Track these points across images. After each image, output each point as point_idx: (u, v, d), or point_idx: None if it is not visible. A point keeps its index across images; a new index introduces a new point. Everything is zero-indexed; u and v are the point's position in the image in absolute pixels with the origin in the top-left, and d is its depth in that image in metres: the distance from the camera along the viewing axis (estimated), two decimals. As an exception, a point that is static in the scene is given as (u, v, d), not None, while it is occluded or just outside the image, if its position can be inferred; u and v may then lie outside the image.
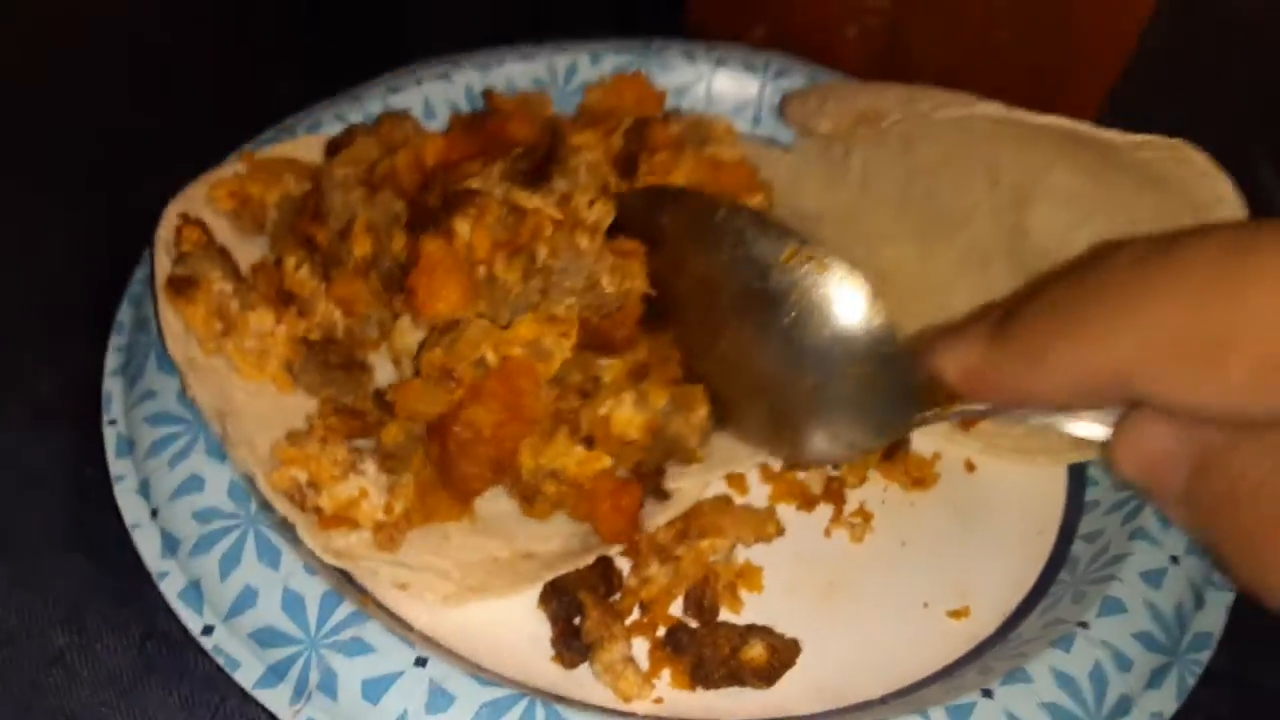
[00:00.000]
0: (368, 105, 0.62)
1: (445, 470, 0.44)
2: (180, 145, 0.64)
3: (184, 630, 0.43)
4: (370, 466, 0.45)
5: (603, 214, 0.47)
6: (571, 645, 0.42)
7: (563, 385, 0.46)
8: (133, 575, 0.45)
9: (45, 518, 0.48)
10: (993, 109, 0.47)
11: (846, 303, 0.42)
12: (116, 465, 0.45)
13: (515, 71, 0.66)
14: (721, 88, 0.67)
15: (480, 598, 0.43)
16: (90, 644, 0.44)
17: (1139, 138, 0.43)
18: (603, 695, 0.42)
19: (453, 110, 0.64)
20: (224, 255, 0.48)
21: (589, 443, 0.45)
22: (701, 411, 0.47)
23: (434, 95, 0.64)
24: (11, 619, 0.45)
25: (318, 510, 0.44)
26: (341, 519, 0.44)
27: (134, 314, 0.51)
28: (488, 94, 0.62)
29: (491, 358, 0.46)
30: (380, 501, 0.44)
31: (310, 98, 0.64)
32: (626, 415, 0.46)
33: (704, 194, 0.49)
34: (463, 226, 0.46)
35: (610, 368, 0.46)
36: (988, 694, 0.40)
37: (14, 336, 0.55)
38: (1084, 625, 0.42)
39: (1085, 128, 0.44)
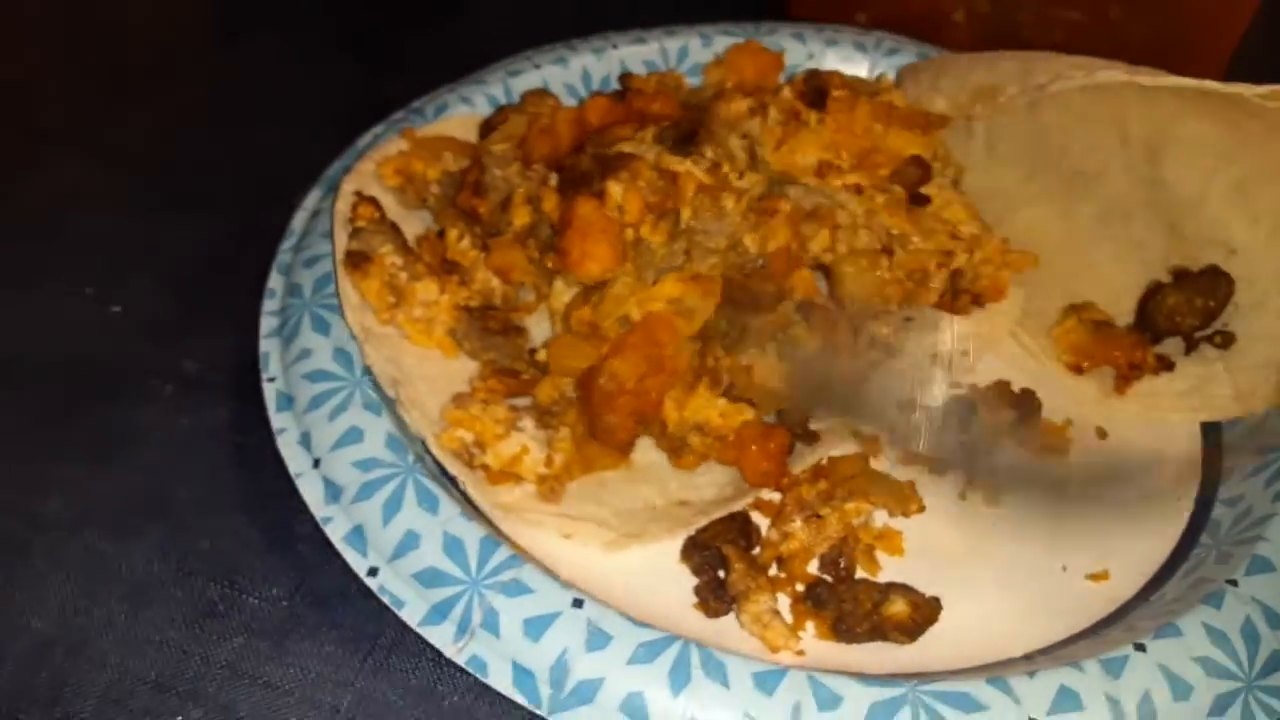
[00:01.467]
0: (490, 88, 0.65)
1: (592, 421, 0.46)
2: (296, 141, 0.67)
3: (331, 585, 0.46)
4: (529, 423, 0.46)
5: (753, 183, 0.48)
6: (719, 595, 0.43)
7: (707, 338, 0.48)
8: (280, 534, 0.48)
9: (197, 483, 0.51)
10: (1115, 74, 0.48)
11: None
12: (277, 419, 0.47)
13: (628, 54, 0.68)
14: (832, 67, 0.67)
15: (640, 543, 0.45)
16: (242, 597, 0.46)
17: (1266, 88, 0.44)
18: (745, 645, 0.43)
19: (569, 93, 0.66)
20: (395, 230, 0.51)
21: (730, 395, 0.46)
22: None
23: (551, 78, 0.66)
24: (167, 573, 0.47)
25: (484, 468, 0.46)
26: (507, 474, 0.46)
27: (284, 281, 0.53)
28: (625, 75, 0.64)
29: (635, 314, 0.47)
30: (541, 456, 0.46)
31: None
32: (769, 365, 0.47)
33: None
34: (616, 189, 0.47)
35: (757, 320, 0.47)
36: (1140, 648, 0.40)
37: (156, 320, 0.58)
38: (1233, 583, 0.42)
39: (1212, 84, 0.45)
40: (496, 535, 0.43)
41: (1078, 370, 0.54)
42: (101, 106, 0.75)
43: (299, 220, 0.57)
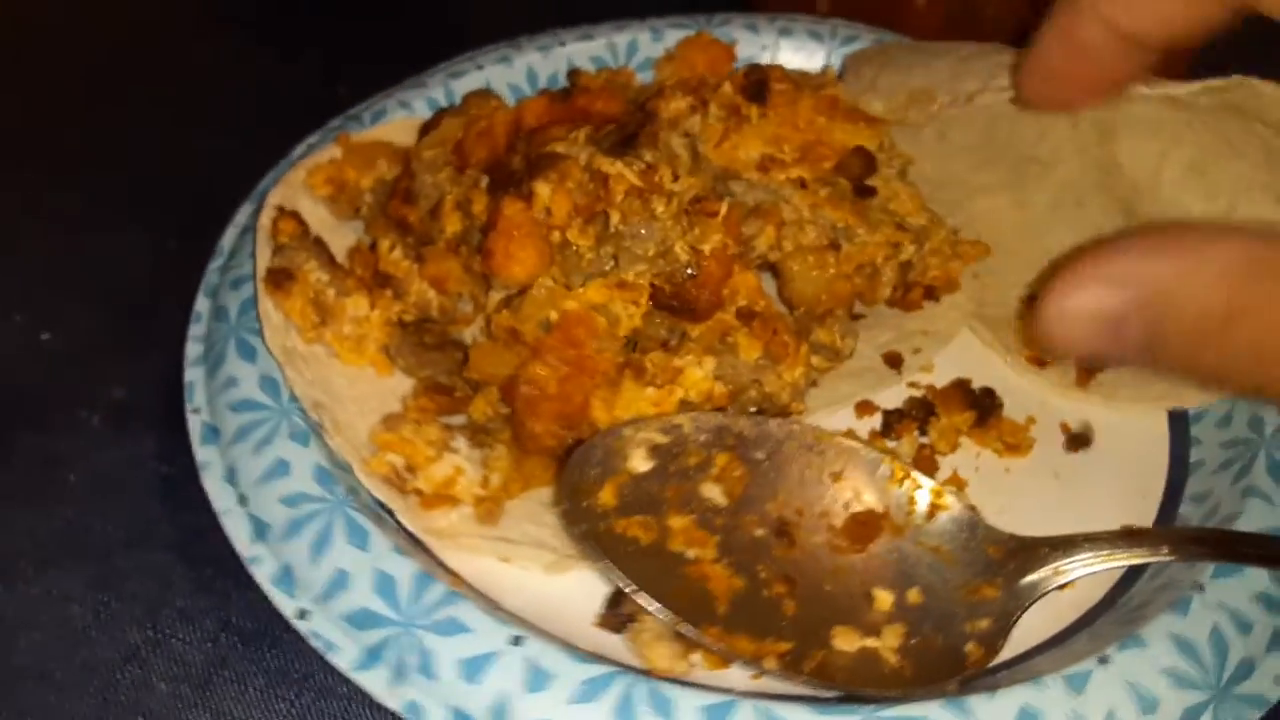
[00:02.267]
0: (430, 91, 0.62)
1: (517, 429, 0.44)
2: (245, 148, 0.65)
3: (259, 624, 0.44)
4: (463, 443, 0.45)
5: (688, 186, 0.46)
6: (616, 611, 0.42)
7: (642, 347, 0.46)
8: (206, 571, 0.47)
9: (121, 518, 0.49)
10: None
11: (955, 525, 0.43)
12: (202, 452, 0.45)
13: (576, 51, 0.66)
14: (787, 59, 0.65)
15: (581, 565, 0.43)
16: (165, 640, 0.45)
17: (1197, 85, 0.43)
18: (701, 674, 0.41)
19: (514, 93, 0.64)
20: (319, 245, 0.49)
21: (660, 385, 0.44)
22: (797, 371, 0.46)
23: (495, 79, 0.64)
24: (88, 618, 0.45)
25: (417, 492, 0.44)
26: (441, 498, 0.44)
27: (210, 304, 0.51)
28: (573, 72, 0.61)
29: (555, 318, 0.45)
30: (477, 476, 0.44)
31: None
32: (698, 375, 0.45)
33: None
34: (543, 189, 0.45)
35: (698, 328, 0.45)
36: (1104, 661, 0.38)
37: (85, 346, 0.57)
38: (1199, 588, 0.40)
39: (1140, 89, 0.43)
40: (432, 568, 0.41)
41: (1039, 363, 0.52)
42: (38, 118, 0.72)
43: (228, 238, 0.54)
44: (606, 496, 0.41)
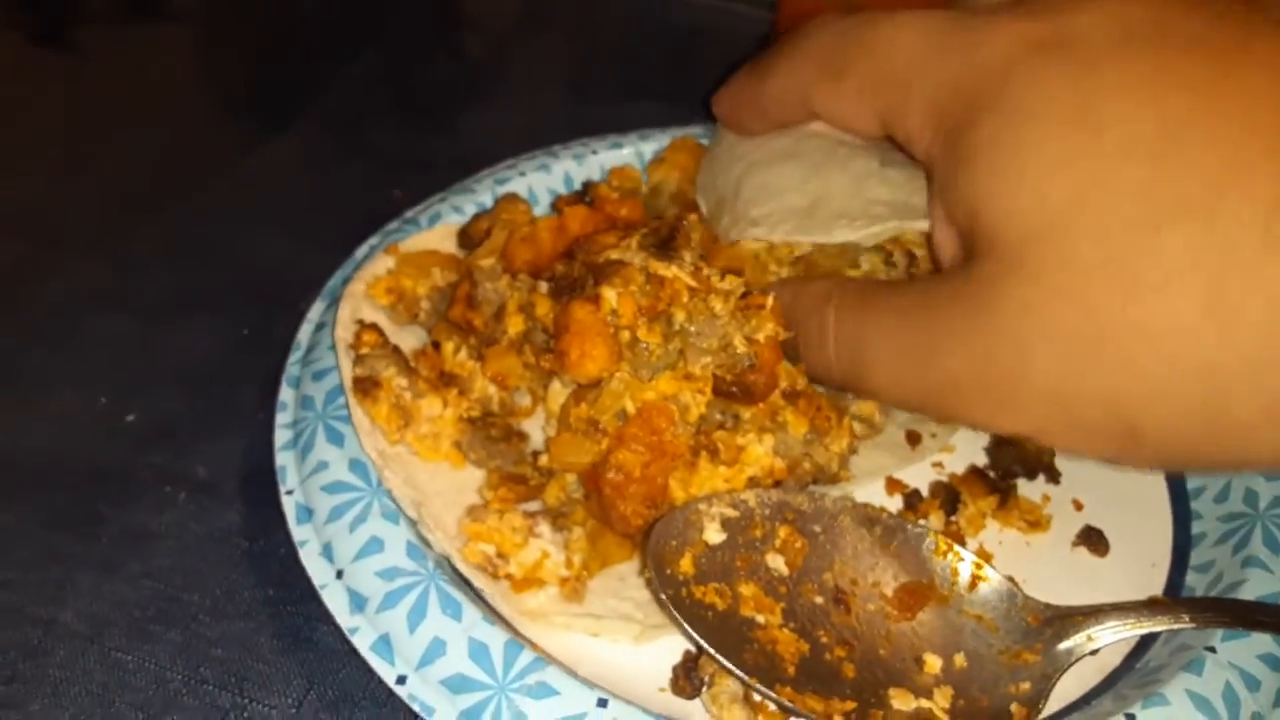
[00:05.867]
0: (480, 196, 0.68)
1: (606, 514, 0.48)
2: (305, 245, 0.70)
3: (340, 690, 0.48)
4: (545, 528, 0.49)
5: (735, 284, 0.51)
6: (690, 676, 0.46)
7: (704, 424, 0.51)
8: (289, 639, 0.50)
9: (209, 588, 0.52)
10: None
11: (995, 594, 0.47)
12: (299, 531, 0.49)
13: (607, 159, 0.72)
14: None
15: (667, 633, 0.47)
16: (252, 704, 0.48)
17: None
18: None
19: (552, 196, 0.70)
20: (397, 352, 0.53)
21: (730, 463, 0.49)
22: (843, 442, 0.51)
23: (536, 184, 0.70)
24: (178, 681, 0.48)
25: (509, 577, 0.48)
26: (530, 580, 0.48)
27: (295, 394, 0.55)
28: (588, 185, 0.67)
29: (630, 408, 0.50)
30: (560, 558, 0.48)
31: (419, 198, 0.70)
32: (760, 451, 0.50)
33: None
34: (610, 293, 0.50)
35: (750, 410, 0.50)
36: (1130, 718, 0.42)
37: (168, 427, 0.60)
38: (1211, 649, 0.45)
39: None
40: (519, 639, 0.45)
41: None
42: (110, 213, 0.77)
43: (305, 333, 0.59)
44: (685, 565, 0.45)
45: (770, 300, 0.53)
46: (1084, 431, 0.40)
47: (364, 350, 0.52)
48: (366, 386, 0.51)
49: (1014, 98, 0.40)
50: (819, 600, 0.47)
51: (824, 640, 0.46)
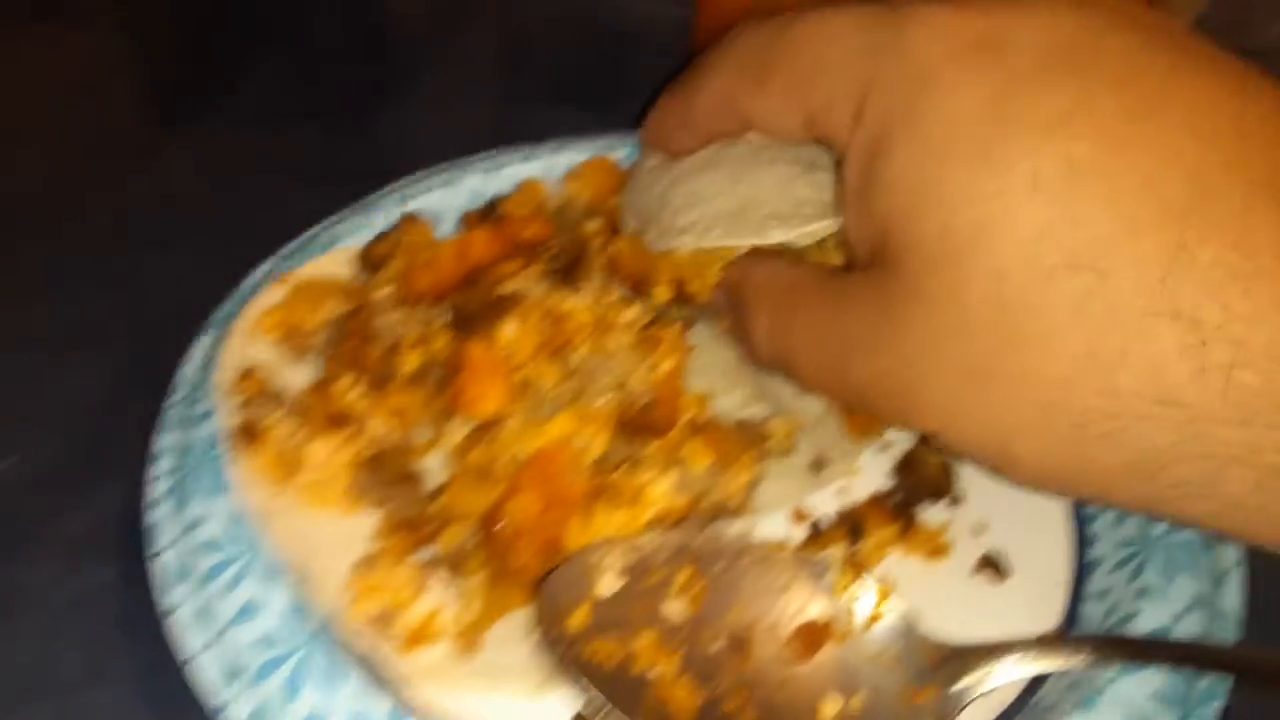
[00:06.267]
0: (382, 215, 0.65)
1: (500, 565, 0.47)
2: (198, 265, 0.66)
3: None
4: (440, 578, 0.47)
5: (635, 316, 0.50)
6: None
7: (602, 465, 0.49)
8: (170, 705, 0.47)
9: (79, 654, 0.49)
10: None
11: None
12: (170, 596, 0.47)
13: (517, 173, 0.69)
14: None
15: (561, 686, 0.45)
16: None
17: None
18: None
19: (459, 214, 0.67)
20: (280, 398, 0.51)
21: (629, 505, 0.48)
22: (745, 477, 0.50)
23: (442, 201, 0.67)
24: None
25: (398, 635, 0.46)
26: (422, 636, 0.46)
27: (173, 441, 0.52)
28: (495, 201, 0.65)
29: (525, 452, 0.48)
30: (455, 610, 0.47)
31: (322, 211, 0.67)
32: (660, 490, 0.49)
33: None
34: (506, 330, 0.49)
35: (651, 445, 0.49)
36: (1019, 763, 0.42)
37: (43, 476, 0.57)
38: (1104, 687, 0.45)
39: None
40: (406, 706, 0.43)
41: None
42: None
43: (187, 371, 0.56)
44: (579, 620, 0.44)
45: (670, 334, 0.52)
46: (971, 446, 0.41)
47: (245, 396, 0.50)
48: (247, 436, 0.49)
49: (930, 118, 0.39)
50: (718, 646, 0.46)
51: (722, 689, 0.45)
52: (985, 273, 0.37)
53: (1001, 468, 0.41)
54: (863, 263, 0.44)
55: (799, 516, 0.55)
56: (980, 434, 0.40)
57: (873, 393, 0.43)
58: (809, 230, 0.51)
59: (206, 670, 0.44)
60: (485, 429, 0.50)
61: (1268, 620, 0.49)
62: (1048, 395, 0.37)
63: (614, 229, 0.61)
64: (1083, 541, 0.54)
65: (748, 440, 0.55)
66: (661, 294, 0.54)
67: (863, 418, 0.58)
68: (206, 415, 0.52)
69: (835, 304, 0.44)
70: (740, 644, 0.46)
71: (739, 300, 0.50)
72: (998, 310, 0.37)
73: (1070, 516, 0.55)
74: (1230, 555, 0.51)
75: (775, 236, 0.51)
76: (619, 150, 0.69)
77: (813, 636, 0.47)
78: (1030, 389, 0.37)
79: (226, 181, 0.80)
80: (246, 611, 0.45)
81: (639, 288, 0.56)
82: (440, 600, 0.47)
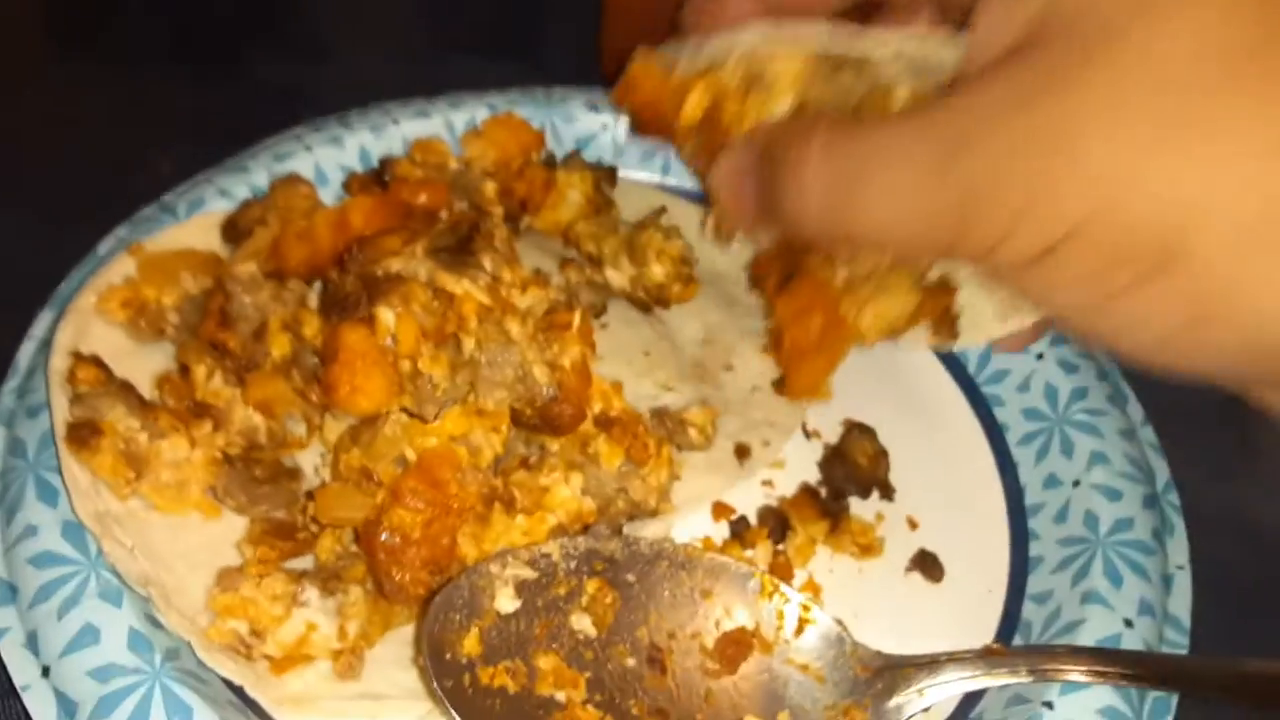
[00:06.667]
0: (254, 176, 0.58)
1: (381, 580, 0.41)
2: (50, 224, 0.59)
3: None
4: (314, 593, 0.41)
5: (536, 300, 0.45)
6: None
7: (499, 466, 0.44)
8: None
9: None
10: None
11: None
12: (-3, 618, 0.40)
13: (411, 131, 0.63)
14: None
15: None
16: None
17: None
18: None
19: (345, 175, 0.60)
20: (126, 388, 0.44)
21: (529, 513, 0.43)
22: (663, 473, 0.46)
23: (325, 161, 0.60)
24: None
25: (267, 657, 0.41)
26: (294, 658, 0.41)
27: (5, 436, 0.45)
28: (386, 162, 0.58)
29: (411, 455, 0.43)
30: (332, 629, 0.41)
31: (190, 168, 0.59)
32: (565, 494, 0.44)
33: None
34: (386, 315, 0.43)
35: (555, 443, 0.45)
36: (957, 785, 0.39)
37: None
38: (1048, 705, 0.42)
39: None
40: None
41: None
42: None
43: (25, 353, 0.49)
44: (471, 645, 0.39)
45: (576, 319, 0.46)
46: (1109, 247, 0.34)
47: (82, 389, 0.43)
48: (84, 434, 0.42)
49: None
50: (631, 663, 0.42)
51: (635, 712, 0.40)
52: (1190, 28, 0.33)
53: (1164, 254, 0.34)
54: (997, 52, 0.37)
55: (722, 512, 0.51)
56: (1146, 209, 0.33)
57: (981, 200, 0.36)
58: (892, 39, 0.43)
59: (41, 703, 0.38)
60: (364, 426, 0.44)
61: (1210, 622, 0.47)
62: (1254, 166, 0.32)
63: (521, 201, 0.55)
64: (1022, 538, 0.51)
65: (664, 432, 0.50)
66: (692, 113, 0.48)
67: (801, 380, 0.53)
68: (42, 408, 0.45)
69: (934, 114, 0.37)
70: (656, 659, 0.42)
71: (772, 153, 0.41)
72: (1197, 63, 0.33)
73: (1008, 509, 0.52)
74: (1179, 554, 0.48)
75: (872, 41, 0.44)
76: (527, 107, 0.63)
77: (737, 647, 0.43)
78: (1238, 143, 0.32)
79: (88, 131, 0.71)
80: (84, 638, 0.39)
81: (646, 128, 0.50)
82: (315, 617, 0.41)
